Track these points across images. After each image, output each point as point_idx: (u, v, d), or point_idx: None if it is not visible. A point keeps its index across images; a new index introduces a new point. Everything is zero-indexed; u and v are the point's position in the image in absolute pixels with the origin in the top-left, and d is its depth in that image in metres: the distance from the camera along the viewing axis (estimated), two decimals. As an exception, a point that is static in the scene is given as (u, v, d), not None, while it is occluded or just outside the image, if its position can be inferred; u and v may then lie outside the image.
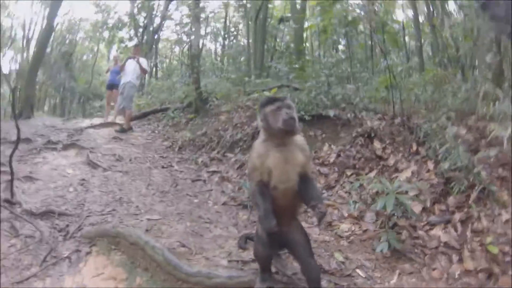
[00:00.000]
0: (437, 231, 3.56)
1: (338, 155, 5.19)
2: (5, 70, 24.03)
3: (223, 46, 21.95)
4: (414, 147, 4.79)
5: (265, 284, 2.70)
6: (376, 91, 6.07)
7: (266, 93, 6.28)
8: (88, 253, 3.25)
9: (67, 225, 3.67)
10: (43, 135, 7.85)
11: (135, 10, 20.29)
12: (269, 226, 2.38)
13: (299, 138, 2.67)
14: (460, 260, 3.19)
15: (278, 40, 15.55)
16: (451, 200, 3.83)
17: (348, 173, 4.90)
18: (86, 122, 10.78)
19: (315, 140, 5.79)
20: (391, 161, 4.76)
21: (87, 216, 3.90)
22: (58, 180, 4.93)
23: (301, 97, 6.59)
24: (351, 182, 4.71)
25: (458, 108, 5.20)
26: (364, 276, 3.15)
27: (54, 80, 26.05)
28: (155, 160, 6.51)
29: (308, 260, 2.61)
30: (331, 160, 5.17)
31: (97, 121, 10.83)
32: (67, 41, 27.97)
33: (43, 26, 13.54)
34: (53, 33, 16.73)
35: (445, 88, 5.50)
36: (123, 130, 8.61)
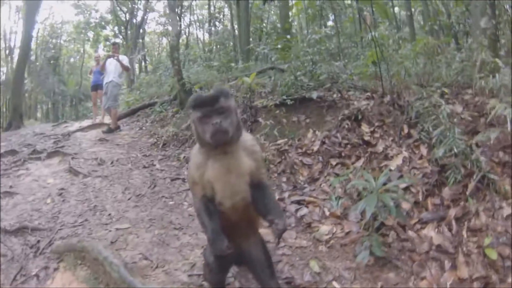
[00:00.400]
0: (429, 231, 3.07)
1: (323, 143, 4.69)
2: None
3: (210, 33, 21.41)
4: (406, 130, 4.26)
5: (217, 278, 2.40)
6: (364, 67, 5.48)
7: (246, 79, 5.71)
8: (55, 269, 3.20)
9: (38, 241, 3.63)
10: (30, 144, 7.80)
11: (116, 6, 19.73)
12: (219, 249, 2.02)
13: (247, 138, 2.19)
14: (453, 267, 2.74)
15: (264, 21, 14.74)
16: (446, 192, 3.33)
17: (333, 162, 4.40)
18: (76, 125, 10.71)
19: (299, 126, 5.28)
20: (380, 147, 4.24)
21: (59, 229, 3.83)
22: (38, 192, 4.92)
23: (286, 78, 6.05)
24: (336, 174, 4.22)
25: (453, 81, 4.63)
26: (340, 291, 2.71)
27: (43, 86, 26.25)
28: (137, 160, 6.33)
29: (267, 283, 2.30)
30: (315, 148, 4.67)
31: (86, 123, 10.80)
32: (52, 46, 28.36)
33: (23, 35, 13.44)
34: (32, 40, 16.78)
35: (438, 59, 4.88)
36: (110, 131, 8.58)
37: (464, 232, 2.93)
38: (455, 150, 3.35)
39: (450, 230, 3.02)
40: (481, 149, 3.44)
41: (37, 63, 26.32)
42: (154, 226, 3.79)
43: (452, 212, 3.10)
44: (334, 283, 2.79)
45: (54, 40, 28.80)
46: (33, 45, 22.29)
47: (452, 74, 4.67)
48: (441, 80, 4.69)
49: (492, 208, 3.02)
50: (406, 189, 3.51)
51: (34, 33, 20.20)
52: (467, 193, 3.19)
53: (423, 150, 3.88)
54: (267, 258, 2.34)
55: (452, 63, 4.78)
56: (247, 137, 2.21)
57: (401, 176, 3.68)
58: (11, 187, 5.08)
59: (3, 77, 25.09)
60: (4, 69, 25.73)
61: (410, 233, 3.11)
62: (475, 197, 3.15)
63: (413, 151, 3.98)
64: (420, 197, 3.41)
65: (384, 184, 3.08)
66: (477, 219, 2.98)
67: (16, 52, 19.53)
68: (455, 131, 3.46)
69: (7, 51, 25.40)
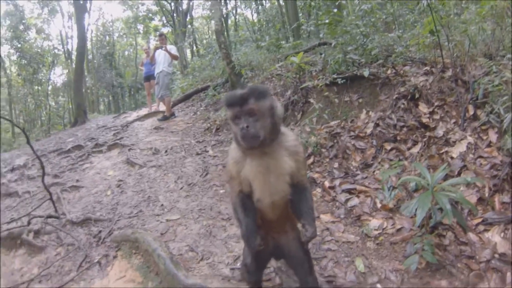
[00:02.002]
0: (494, 235, 2.71)
1: (377, 125, 4.33)
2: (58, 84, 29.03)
3: (257, 11, 20.73)
4: (471, 111, 3.75)
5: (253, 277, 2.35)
6: (422, 37, 4.87)
7: (294, 59, 5.42)
8: (114, 257, 3.45)
9: (100, 231, 3.93)
10: (93, 138, 8.41)
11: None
12: (251, 246, 2.05)
13: (289, 138, 2.05)
14: (516, 282, 2.37)
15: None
16: (518, 188, 2.89)
17: (388, 147, 4.06)
18: (133, 115, 11.37)
19: (351, 106, 4.92)
20: (440, 131, 3.80)
21: (117, 220, 4.13)
22: (99, 185, 5.33)
23: (336, 56, 5.63)
24: (390, 160, 3.88)
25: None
26: (384, 294, 2.50)
27: (102, 81, 28.46)
28: (191, 147, 6.50)
29: (305, 278, 2.25)
30: (368, 131, 4.33)
31: (143, 112, 11.38)
32: (106, 43, 30.50)
33: (78, 37, 14.51)
34: (87, 41, 18.29)
35: (509, 23, 4.13)
36: (165, 118, 9.06)
37: (535, 240, 2.54)
38: (532, 139, 2.88)
39: (519, 235, 2.63)
40: None
41: (95, 61, 28.73)
42: (202, 217, 3.89)
43: (524, 213, 2.69)
44: (379, 286, 2.58)
45: (107, 38, 31.03)
46: (89, 45, 24.86)
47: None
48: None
49: None
50: (461, 195, 3.09)
51: (88, 34, 22.68)
52: (544, 191, 2.75)
53: (492, 136, 3.39)
54: (305, 254, 2.25)
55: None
56: (289, 137, 2.07)
57: (464, 167, 3.27)
58: (77, 181, 5.56)
59: (65, 79, 27.85)
60: (66, 71, 28.32)
61: (471, 235, 2.76)
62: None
63: (480, 136, 3.50)
64: (486, 193, 3.00)
65: (444, 178, 2.75)
66: (553, 225, 2.56)
67: (74, 54, 20.98)
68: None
69: (66, 54, 27.76)
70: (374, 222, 3.22)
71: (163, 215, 4.04)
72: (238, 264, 2.94)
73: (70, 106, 24.30)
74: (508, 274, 2.41)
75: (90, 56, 27.09)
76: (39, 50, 24.71)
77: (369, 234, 3.11)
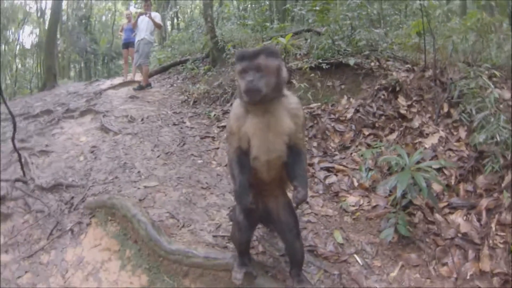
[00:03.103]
0: (457, 217, 3.04)
1: (357, 111, 4.56)
2: (27, 45, 26.12)
3: None
4: (446, 108, 4.10)
5: (243, 270, 2.37)
6: (407, 37, 5.17)
7: (282, 40, 5.52)
8: (88, 225, 3.31)
9: (72, 197, 3.74)
10: (63, 103, 7.92)
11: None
12: (243, 203, 2.11)
13: (292, 101, 2.12)
14: (477, 258, 2.72)
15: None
16: (480, 180, 3.26)
17: (366, 132, 4.31)
18: (107, 83, 10.67)
19: (333, 91, 5.12)
20: (416, 123, 4.11)
21: (91, 186, 3.92)
22: (71, 150, 5.04)
23: (323, 42, 5.79)
24: (368, 144, 4.14)
25: (503, 65, 4.36)
26: (361, 264, 2.76)
27: (75, 46, 26.04)
28: (167, 118, 6.27)
29: (293, 243, 2.32)
30: (348, 115, 4.55)
31: (117, 81, 10.76)
32: (83, 5, 27.71)
33: None
34: (63, 0, 16.59)
35: (489, 38, 4.54)
36: (140, 88, 8.58)
37: (493, 225, 2.87)
38: (498, 138, 3.22)
39: (479, 220, 2.97)
40: (525, 140, 3.30)
41: (69, 23, 26.08)
42: (181, 185, 3.80)
43: (484, 202, 3.04)
44: (356, 256, 2.82)
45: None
46: (64, 5, 22.29)
47: (504, 56, 4.38)
48: (490, 61, 4.42)
49: (527, 204, 2.94)
50: (438, 170, 3.41)
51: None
52: (503, 185, 3.11)
53: (462, 133, 3.76)
54: (294, 219, 2.33)
55: (504, 44, 4.47)
56: (292, 99, 2.13)
57: (435, 157, 3.59)
58: (46, 145, 5.23)
59: (36, 39, 25.47)
60: (37, 30, 25.96)
61: (438, 216, 3.08)
62: (510, 190, 3.05)
63: (451, 132, 3.85)
64: (453, 181, 3.34)
65: (418, 162, 3.01)
66: (508, 213, 2.90)
67: (48, 13, 19.49)
68: (500, 118, 3.31)
69: (39, 13, 25.57)
70: (351, 199, 3.46)
71: (140, 181, 3.87)
72: (221, 232, 2.96)
73: (39, 70, 22.44)
74: (470, 251, 2.74)
75: (64, 17, 24.74)
76: (8, 6, 22.42)
77: (346, 209, 3.34)
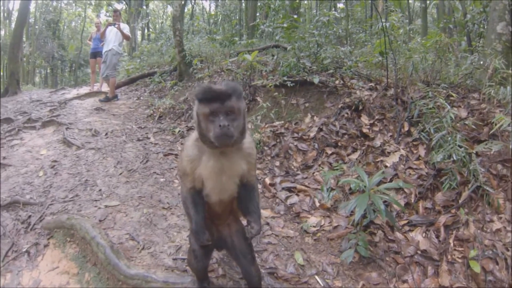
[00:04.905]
0: (417, 235, 3.07)
1: (320, 129, 4.59)
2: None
3: (216, 4, 20.38)
4: (406, 127, 4.19)
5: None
6: (371, 56, 5.31)
7: (247, 56, 5.55)
8: (46, 246, 3.18)
9: (30, 216, 3.58)
10: (25, 112, 7.64)
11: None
12: (200, 241, 2.11)
13: (245, 140, 2.05)
14: (436, 274, 2.77)
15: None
16: (439, 197, 3.32)
17: (329, 151, 4.33)
18: (73, 92, 10.54)
19: (297, 109, 5.16)
20: (377, 142, 4.17)
21: (50, 205, 3.76)
22: (30, 164, 4.84)
23: (288, 59, 5.86)
24: (330, 164, 4.16)
25: (460, 83, 4.52)
26: (322, 285, 2.73)
27: (42, 51, 25.31)
28: (132, 132, 6.22)
29: (248, 268, 2.30)
30: (312, 134, 4.58)
31: (84, 90, 10.63)
32: (51, 9, 26.93)
33: None
34: (31, 2, 16.18)
35: (448, 57, 4.72)
36: (107, 99, 8.56)
37: (451, 241, 2.93)
38: (454, 157, 3.30)
39: (437, 236, 3.02)
40: (480, 159, 3.40)
41: (36, 26, 25.24)
42: (143, 205, 3.75)
43: (442, 219, 3.09)
44: (317, 278, 2.78)
45: (54, 3, 27.41)
46: (32, 7, 21.80)
47: (461, 75, 4.55)
48: (448, 80, 4.58)
49: (482, 220, 3.02)
50: (398, 189, 3.47)
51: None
52: (460, 201, 3.18)
53: (421, 151, 3.83)
54: (248, 245, 2.31)
55: (462, 63, 4.65)
56: (246, 139, 2.07)
57: (396, 175, 3.64)
58: (4, 158, 5.01)
59: (0, 41, 24.22)
60: (2, 32, 25.01)
61: (398, 234, 3.09)
62: (467, 207, 3.14)
63: (411, 150, 3.92)
64: (413, 199, 3.38)
65: (378, 183, 3.04)
66: (466, 229, 2.98)
67: (15, 15, 18.73)
68: (456, 137, 3.40)
69: (5, 14, 24.62)
70: (313, 220, 3.43)
71: (101, 200, 3.80)
72: (181, 255, 2.93)
73: (1, 74, 21.42)
74: (429, 267, 2.76)
75: (31, 20, 23.72)
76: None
77: (307, 230, 3.31)
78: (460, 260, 2.80)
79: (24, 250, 3.14)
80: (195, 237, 2.16)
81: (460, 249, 2.88)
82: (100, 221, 3.38)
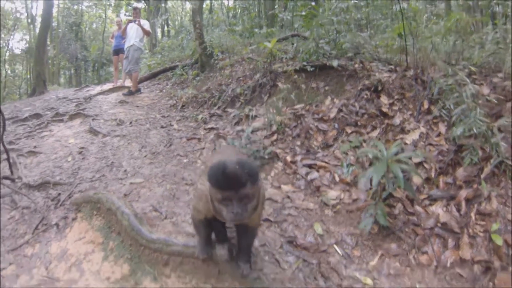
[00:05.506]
0: (437, 208, 3.05)
1: (340, 110, 4.60)
2: (17, 51, 26.17)
3: None
4: (426, 105, 4.14)
5: (205, 253, 2.44)
6: (391, 40, 5.27)
7: (267, 44, 5.63)
8: (73, 219, 3.36)
9: (59, 194, 3.79)
10: (53, 108, 7.96)
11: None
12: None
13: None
14: (456, 246, 2.74)
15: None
16: (460, 172, 3.28)
17: (349, 130, 4.34)
18: (97, 89, 10.84)
19: (317, 93, 5.17)
20: (397, 120, 4.15)
21: (78, 184, 3.98)
22: (60, 151, 5.11)
23: (308, 45, 5.89)
24: (350, 142, 4.16)
25: (483, 63, 4.43)
26: (341, 254, 2.77)
27: (65, 52, 26.02)
28: (155, 121, 6.42)
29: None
30: (332, 115, 4.59)
31: (107, 86, 10.90)
32: (73, 12, 27.74)
33: (44, 2, 13.47)
34: (53, 7, 16.75)
35: (471, 38, 4.63)
36: (130, 93, 8.80)
37: (472, 214, 2.90)
38: (475, 130, 3.27)
39: (458, 210, 2.99)
40: (503, 134, 3.33)
41: (59, 30, 26.08)
42: (166, 182, 3.88)
43: (464, 193, 3.06)
44: (336, 247, 2.82)
45: (75, 6, 28.23)
46: (54, 11, 22.34)
47: (484, 55, 4.46)
48: (471, 61, 4.50)
49: (505, 195, 2.96)
50: (419, 164, 3.46)
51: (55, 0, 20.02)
52: (482, 176, 3.13)
53: (442, 128, 3.79)
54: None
55: (485, 44, 4.56)
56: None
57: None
58: (35, 147, 5.28)
59: (26, 45, 25.41)
60: (27, 37, 26.01)
61: (418, 208, 3.09)
62: (489, 182, 3.09)
63: (431, 127, 3.89)
64: (433, 174, 3.36)
65: (396, 154, 3.03)
66: (488, 203, 2.93)
67: (38, 20, 19.45)
68: (477, 111, 3.36)
69: (29, 20, 25.42)
70: (332, 193, 3.46)
71: (126, 179, 3.97)
72: None
73: (28, 76, 22.34)
74: (450, 240, 2.75)
75: (54, 24, 24.62)
76: (-1, 12, 22.61)
77: (327, 203, 3.35)
78: (481, 234, 2.76)
79: (53, 223, 3.32)
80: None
81: (482, 223, 2.83)
82: (125, 195, 3.55)
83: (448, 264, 2.62)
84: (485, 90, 3.91)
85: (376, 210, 2.89)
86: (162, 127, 5.97)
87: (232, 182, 1.73)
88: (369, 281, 2.50)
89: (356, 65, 5.22)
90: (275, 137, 4.56)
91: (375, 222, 2.88)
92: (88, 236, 3.12)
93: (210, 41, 9.29)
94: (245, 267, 2.27)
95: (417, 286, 2.48)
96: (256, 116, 5.08)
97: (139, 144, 5.12)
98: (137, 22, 8.62)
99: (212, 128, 5.45)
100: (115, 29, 11.17)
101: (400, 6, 4.66)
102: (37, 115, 7.18)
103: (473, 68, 4.03)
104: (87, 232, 3.16)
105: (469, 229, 2.80)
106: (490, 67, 4.39)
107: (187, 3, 22.87)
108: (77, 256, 2.92)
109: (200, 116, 5.99)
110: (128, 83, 9.88)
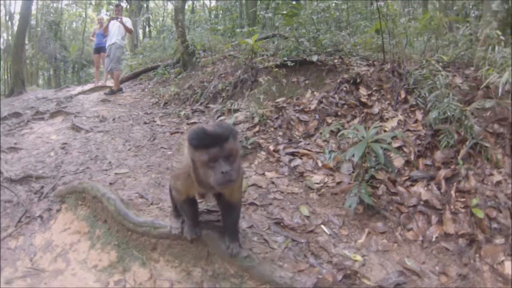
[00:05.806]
0: (419, 188, 3.16)
1: (320, 102, 4.70)
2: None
3: None
4: (403, 95, 4.32)
5: (194, 233, 2.44)
6: (369, 38, 5.46)
7: (248, 40, 5.71)
8: (58, 211, 3.35)
9: (42, 187, 3.77)
10: (33, 107, 7.77)
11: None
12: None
13: None
14: (440, 222, 2.86)
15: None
16: (438, 154, 3.42)
17: (329, 120, 4.43)
18: (78, 89, 10.63)
19: (298, 86, 5.28)
20: (376, 109, 4.28)
21: (62, 177, 3.94)
22: (41, 147, 5.04)
23: (288, 42, 6.01)
24: (331, 131, 4.25)
25: (456, 58, 4.66)
26: (328, 233, 2.81)
27: (44, 52, 24.96)
28: (138, 117, 6.37)
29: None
30: (312, 107, 4.67)
31: (88, 86, 10.68)
32: (52, 10, 26.72)
33: None
34: (32, 5, 16.41)
35: (445, 37, 4.88)
36: (112, 92, 8.61)
37: (452, 192, 3.04)
38: (449, 113, 3.42)
39: (439, 189, 3.12)
40: (476, 119, 3.51)
41: (38, 28, 25.10)
42: (151, 171, 3.88)
43: (443, 172, 3.19)
44: (323, 227, 2.86)
45: (54, 4, 27.18)
46: (33, 9, 21.69)
47: (457, 52, 4.70)
48: (445, 55, 4.72)
49: (482, 173, 3.12)
50: (398, 148, 3.58)
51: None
52: (459, 157, 3.28)
53: (419, 115, 3.95)
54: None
55: (458, 41, 4.80)
56: None
57: (394, 137, 3.74)
58: (15, 143, 5.19)
59: (4, 44, 24.30)
60: (4, 35, 24.95)
61: (400, 188, 3.19)
62: (466, 162, 3.24)
63: (409, 115, 4.04)
64: (412, 157, 3.49)
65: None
66: (466, 182, 3.08)
67: (17, 17, 18.83)
68: (450, 97, 3.53)
69: (7, 17, 24.68)
70: (316, 177, 3.51)
71: (111, 170, 3.95)
72: None
73: (5, 77, 21.38)
74: (433, 216, 2.86)
75: (33, 22, 23.60)
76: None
77: (311, 187, 3.39)
78: (463, 210, 2.90)
79: (37, 215, 3.30)
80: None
81: (462, 199, 2.99)
82: (110, 183, 3.51)
83: (434, 239, 2.73)
84: (458, 80, 4.12)
85: (360, 190, 2.96)
86: (145, 123, 5.94)
87: (216, 138, 1.73)
88: (358, 257, 2.55)
89: (336, 60, 5.38)
90: (257, 128, 4.60)
91: (360, 203, 2.95)
92: (74, 226, 3.08)
93: (192, 40, 9.29)
94: (234, 245, 2.26)
95: (406, 260, 2.55)
96: (238, 110, 5.11)
97: (122, 139, 5.08)
98: (119, 19, 8.43)
99: (194, 123, 5.44)
100: (96, 27, 10.96)
101: (377, 4, 4.84)
102: (16, 114, 6.97)
103: (445, 58, 4.22)
104: (72, 223, 3.12)
105: (451, 206, 2.93)
106: (463, 62, 4.61)
107: (169, 3, 22.74)
108: (63, 247, 2.89)
109: (182, 113, 5.98)
110: (110, 82, 9.68)
